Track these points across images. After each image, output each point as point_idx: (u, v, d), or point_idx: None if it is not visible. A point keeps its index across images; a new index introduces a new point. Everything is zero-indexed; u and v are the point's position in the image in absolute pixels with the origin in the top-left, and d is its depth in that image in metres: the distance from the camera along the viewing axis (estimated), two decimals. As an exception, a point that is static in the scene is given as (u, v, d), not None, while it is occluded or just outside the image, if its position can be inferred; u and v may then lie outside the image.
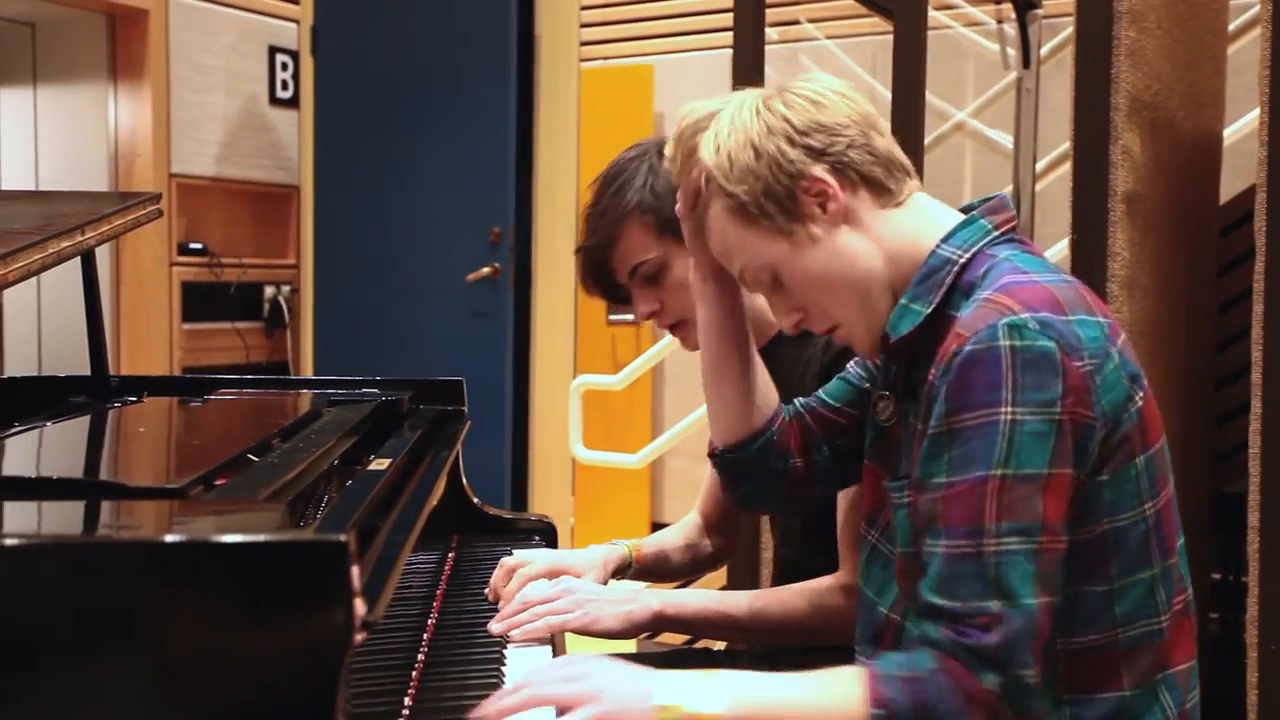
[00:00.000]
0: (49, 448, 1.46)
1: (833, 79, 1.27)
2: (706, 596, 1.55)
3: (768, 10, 2.45)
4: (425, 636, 1.41)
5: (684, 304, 1.53)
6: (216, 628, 0.85)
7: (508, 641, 1.42)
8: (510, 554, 1.61)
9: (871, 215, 1.22)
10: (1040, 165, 3.05)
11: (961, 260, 1.19)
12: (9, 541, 0.87)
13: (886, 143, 1.24)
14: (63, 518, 1.05)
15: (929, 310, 1.19)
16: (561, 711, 1.08)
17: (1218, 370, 2.67)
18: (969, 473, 1.07)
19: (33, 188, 4.61)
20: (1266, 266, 1.89)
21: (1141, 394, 1.14)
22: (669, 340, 3.72)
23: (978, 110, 3.97)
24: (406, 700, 1.21)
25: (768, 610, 1.53)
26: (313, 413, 1.58)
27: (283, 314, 4.82)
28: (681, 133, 1.31)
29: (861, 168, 1.22)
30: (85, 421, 1.60)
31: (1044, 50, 3.09)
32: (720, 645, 1.83)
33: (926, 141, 2.51)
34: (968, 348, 1.09)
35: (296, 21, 4.69)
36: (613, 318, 4.86)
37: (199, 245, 4.59)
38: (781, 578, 1.69)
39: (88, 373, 1.82)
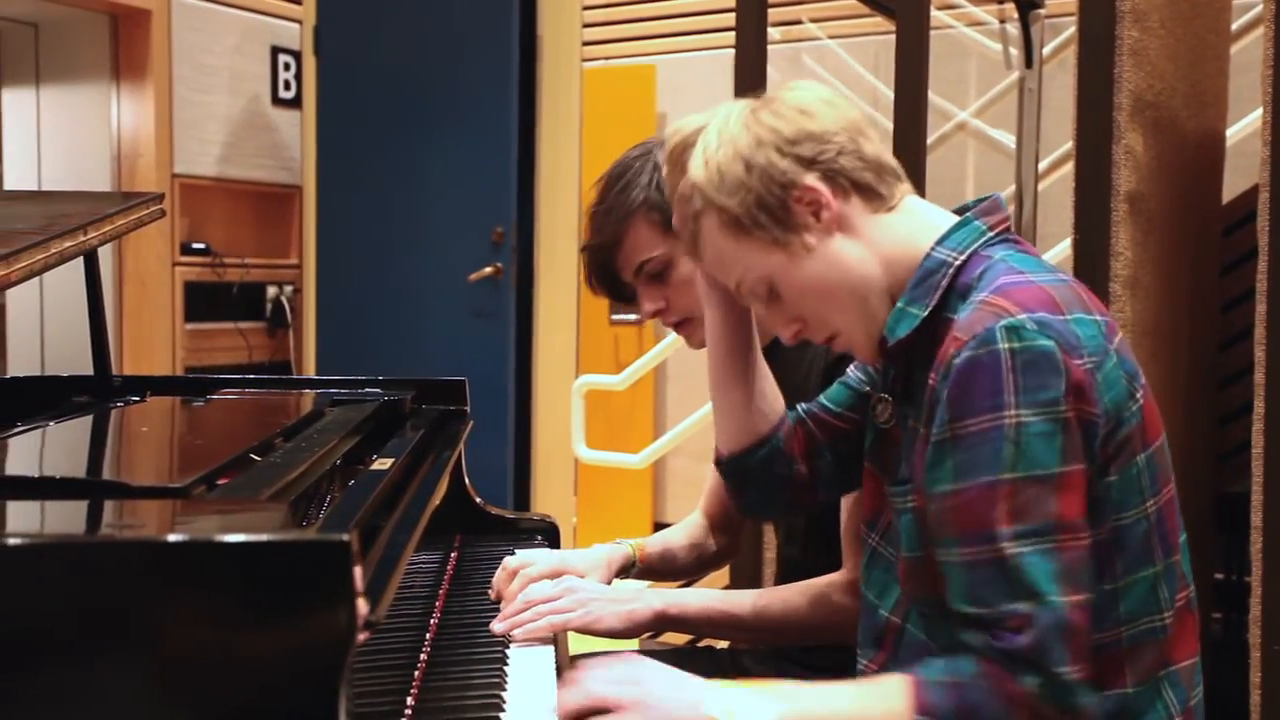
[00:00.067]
0: (52, 447, 1.46)
1: (818, 86, 1.26)
2: (709, 596, 1.55)
3: (770, 10, 2.45)
4: (428, 636, 1.41)
5: (689, 301, 1.53)
6: (219, 627, 0.85)
7: (510, 641, 1.42)
8: (513, 554, 1.61)
9: (865, 221, 1.22)
10: (1043, 165, 3.05)
11: (957, 262, 1.19)
12: (12, 541, 0.87)
13: (875, 147, 1.23)
14: (66, 517, 1.05)
15: (926, 313, 1.18)
16: (602, 712, 1.09)
17: (1220, 370, 2.67)
18: (976, 478, 1.07)
19: (35, 188, 4.61)
20: (1269, 266, 1.89)
21: (1141, 392, 1.14)
22: (671, 340, 3.72)
23: (980, 110, 3.97)
24: (409, 700, 1.21)
25: (770, 609, 1.53)
26: (315, 412, 1.59)
27: (285, 314, 4.82)
28: (672, 150, 1.30)
29: (852, 174, 1.21)
30: (88, 421, 1.61)
31: (1046, 50, 3.09)
32: (723, 645, 1.83)
33: (929, 141, 2.51)
34: (966, 352, 1.09)
35: (299, 22, 4.69)
36: (615, 317, 4.87)
37: (201, 245, 4.59)
38: (784, 577, 1.69)
39: (90, 373, 1.82)
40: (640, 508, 4.80)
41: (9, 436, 1.42)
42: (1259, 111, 1.97)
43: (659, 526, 4.58)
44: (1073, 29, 2.15)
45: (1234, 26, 2.86)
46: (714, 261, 1.27)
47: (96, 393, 1.79)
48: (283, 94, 4.81)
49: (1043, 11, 2.93)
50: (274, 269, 4.84)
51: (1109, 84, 2.01)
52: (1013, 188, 2.87)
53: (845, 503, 1.50)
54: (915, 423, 1.20)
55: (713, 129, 1.24)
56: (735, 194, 1.20)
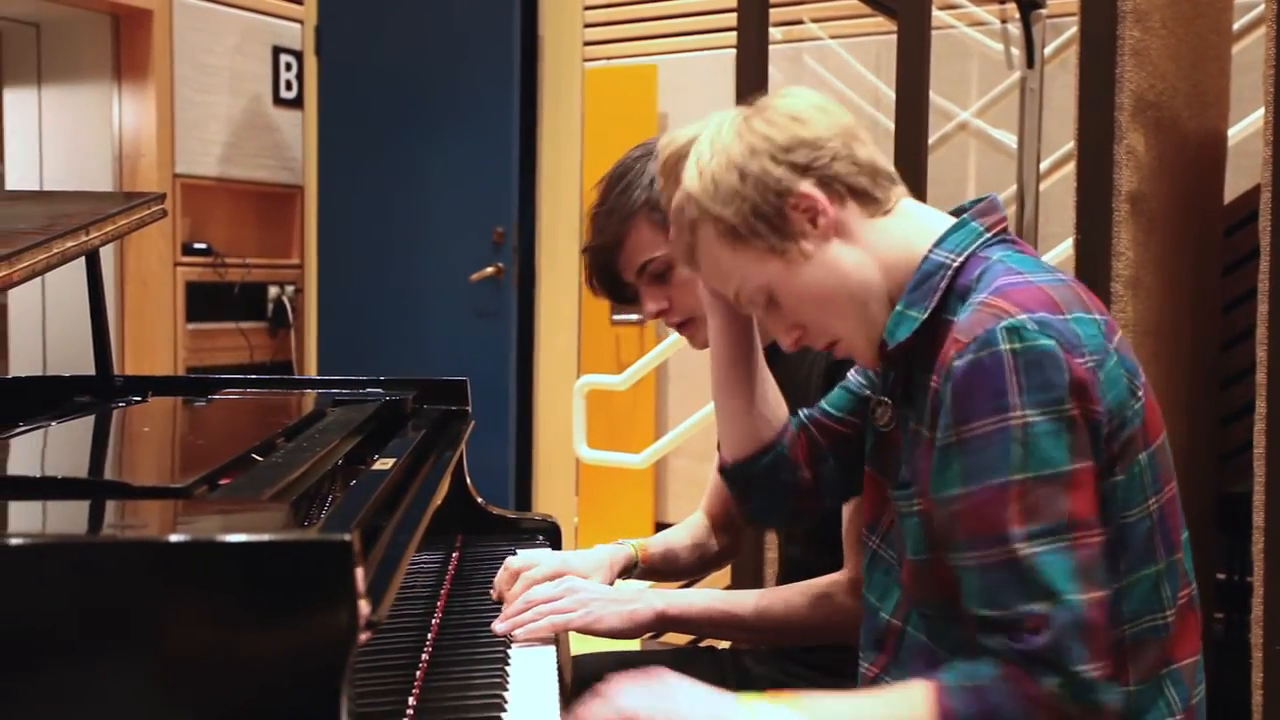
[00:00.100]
0: (54, 447, 1.46)
1: (810, 92, 1.26)
2: (710, 596, 1.55)
3: (772, 10, 2.45)
4: (429, 636, 1.41)
5: (692, 302, 1.53)
6: (221, 627, 0.85)
7: (511, 641, 1.42)
8: (514, 554, 1.61)
9: (861, 226, 1.21)
10: (1044, 165, 3.05)
11: (955, 264, 1.19)
12: (14, 541, 0.87)
13: (869, 151, 1.23)
14: (67, 517, 1.05)
15: (925, 316, 1.18)
16: None
17: (1222, 370, 2.67)
18: (985, 481, 1.07)
19: (37, 188, 4.61)
20: (1271, 266, 1.89)
21: (1142, 390, 1.15)
22: (673, 340, 3.72)
23: (982, 110, 3.97)
24: (410, 700, 1.22)
25: (772, 609, 1.53)
26: (317, 412, 1.59)
27: (286, 314, 4.83)
28: (665, 161, 1.30)
29: (848, 179, 1.21)
30: (90, 421, 1.61)
31: (1048, 50, 3.09)
32: (724, 645, 1.83)
33: (930, 141, 2.51)
34: (968, 355, 1.08)
35: (300, 22, 4.69)
36: (616, 317, 4.87)
37: (203, 245, 4.59)
38: (786, 577, 1.68)
39: (92, 373, 1.82)
40: (642, 508, 4.80)
41: (11, 436, 1.43)
42: (1260, 111, 1.96)
43: (660, 526, 4.58)
44: (1074, 29, 2.15)
45: (1236, 26, 2.86)
46: (711, 271, 1.26)
47: (98, 393, 1.79)
48: (284, 94, 4.81)
49: (1044, 11, 2.93)
50: (275, 269, 4.84)
51: (1110, 84, 2.01)
52: (1014, 188, 2.87)
53: (847, 503, 1.50)
54: (916, 425, 1.20)
55: (705, 139, 1.23)
56: (730, 203, 1.19)
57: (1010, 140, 3.42)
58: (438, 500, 1.43)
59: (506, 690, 1.28)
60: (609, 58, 4.87)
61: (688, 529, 1.80)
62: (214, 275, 4.62)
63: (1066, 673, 1.04)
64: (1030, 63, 2.90)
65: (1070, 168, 2.20)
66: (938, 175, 2.55)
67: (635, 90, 4.80)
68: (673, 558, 1.74)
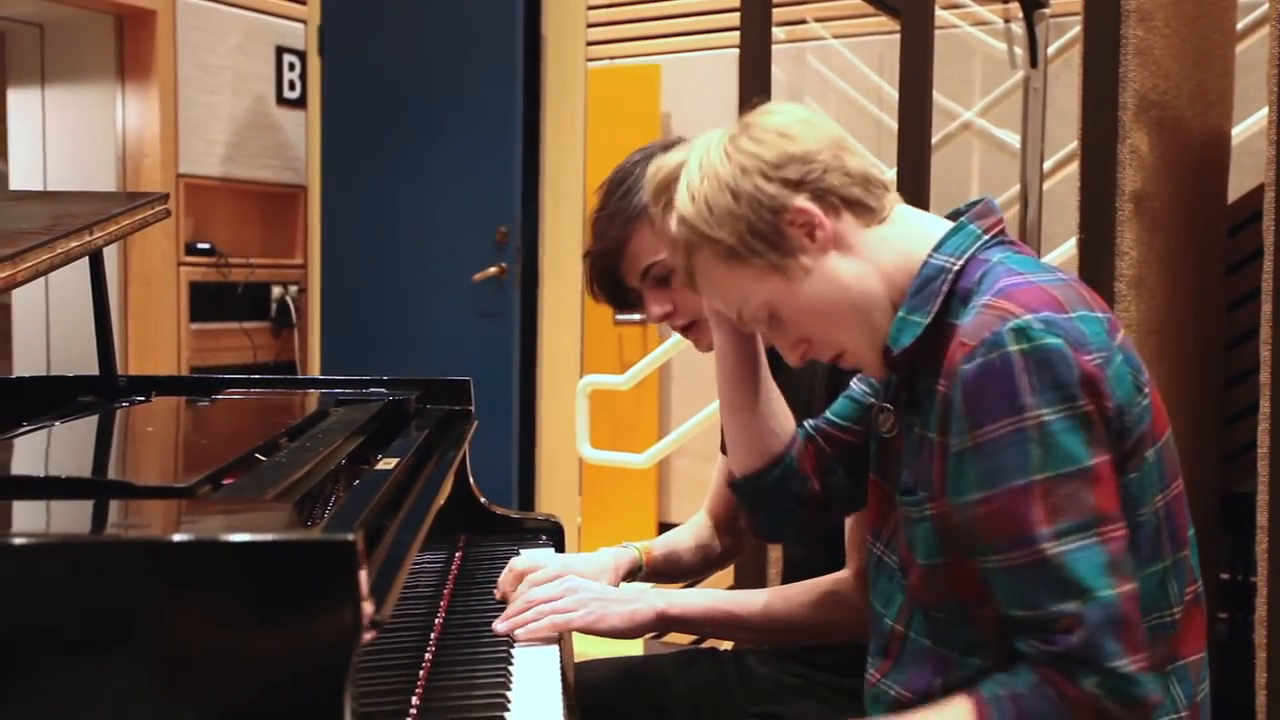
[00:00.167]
0: (57, 447, 1.47)
1: (793, 106, 1.26)
2: (712, 596, 1.55)
3: (775, 10, 2.45)
4: (432, 636, 1.41)
5: (696, 304, 1.52)
6: (224, 627, 0.85)
7: (514, 641, 1.42)
8: (518, 554, 1.61)
9: (859, 236, 1.21)
10: (1048, 165, 3.05)
11: (955, 267, 1.19)
12: (18, 540, 0.88)
13: (859, 161, 1.23)
14: (71, 517, 1.05)
15: (928, 320, 1.18)
16: None
17: (1226, 370, 2.66)
18: (1007, 483, 1.07)
19: (41, 188, 4.62)
20: (1275, 266, 1.89)
21: (1147, 387, 1.15)
22: (675, 340, 3.72)
23: (985, 110, 3.96)
24: (414, 700, 1.22)
25: (773, 609, 1.53)
26: (320, 412, 1.59)
27: (290, 314, 4.83)
28: (656, 188, 1.30)
29: (841, 190, 1.20)
30: (93, 421, 1.61)
31: (1051, 49, 3.09)
32: (727, 645, 1.83)
33: (933, 141, 2.50)
34: (978, 358, 1.08)
35: (304, 22, 4.70)
36: (620, 317, 4.87)
37: (206, 245, 4.59)
38: (789, 576, 1.68)
39: (96, 372, 1.82)
40: (645, 508, 4.80)
41: (15, 436, 1.43)
42: (1264, 111, 1.96)
43: (664, 526, 4.58)
44: (1077, 28, 2.15)
45: (1239, 26, 2.86)
46: (713, 292, 1.26)
47: (102, 393, 1.79)
48: (287, 94, 4.82)
49: (1047, 11, 2.93)
50: (279, 269, 4.84)
51: (1114, 83, 2.00)
52: (1017, 187, 2.86)
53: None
54: (922, 430, 1.20)
55: (693, 162, 1.22)
56: (726, 225, 1.19)
57: (1013, 140, 3.42)
58: (441, 500, 1.43)
59: (509, 690, 1.28)
60: (612, 57, 4.86)
61: (691, 530, 1.80)
62: (217, 275, 4.62)
63: (1104, 670, 1.04)
64: (1033, 62, 2.90)
65: (1073, 167, 2.19)
66: (941, 175, 2.54)
67: (638, 90, 4.80)
68: (675, 559, 1.74)
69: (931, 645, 1.21)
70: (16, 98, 4.74)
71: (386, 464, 1.34)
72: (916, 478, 1.20)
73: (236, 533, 0.86)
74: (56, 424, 1.53)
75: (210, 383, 1.88)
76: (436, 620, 1.46)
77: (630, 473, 4.35)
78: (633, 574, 1.66)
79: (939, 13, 2.56)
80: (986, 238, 1.21)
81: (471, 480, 1.84)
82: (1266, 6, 1.98)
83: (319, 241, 4.54)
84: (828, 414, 1.43)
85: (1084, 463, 1.07)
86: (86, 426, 1.57)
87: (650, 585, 1.80)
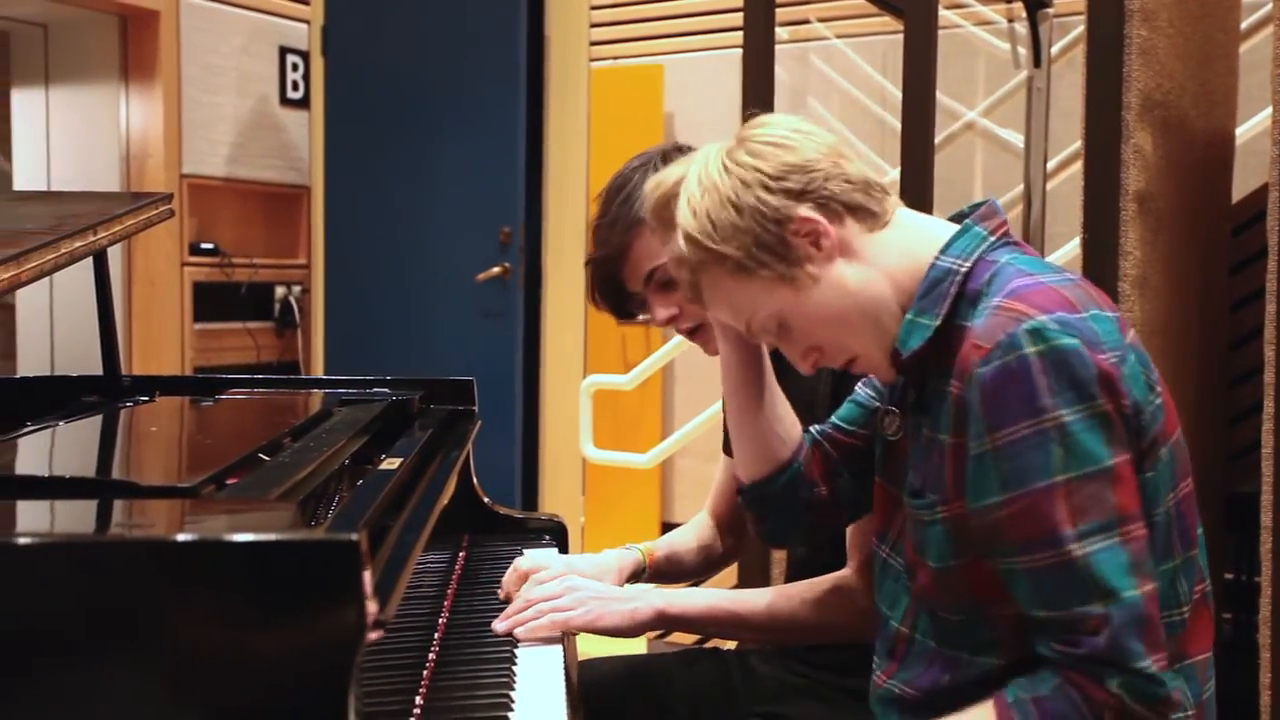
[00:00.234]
0: (62, 447, 1.47)
1: (786, 117, 1.26)
2: (712, 595, 1.55)
3: (778, 10, 2.45)
4: (436, 636, 1.41)
5: (701, 308, 1.52)
6: (229, 627, 0.85)
7: (518, 641, 1.42)
8: (521, 554, 1.61)
9: (863, 242, 1.21)
10: (1051, 164, 3.05)
11: (963, 269, 1.19)
12: (22, 540, 0.88)
13: (858, 167, 1.23)
14: (75, 517, 1.05)
15: (938, 323, 1.18)
16: None
17: (1230, 370, 2.66)
18: (1029, 485, 1.07)
19: (45, 188, 4.62)
20: (1279, 265, 1.88)
21: (1159, 385, 1.15)
22: (679, 340, 3.72)
23: (988, 109, 3.96)
24: (417, 699, 1.22)
25: (774, 608, 1.53)
26: (323, 412, 1.59)
27: (293, 314, 4.83)
28: (655, 206, 1.30)
29: (843, 197, 1.20)
30: (97, 421, 1.61)
31: (1055, 49, 3.09)
32: (731, 645, 1.83)
33: (937, 141, 2.50)
34: (995, 361, 1.08)
35: (307, 22, 4.70)
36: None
37: (210, 245, 4.60)
38: (793, 576, 1.68)
39: (100, 372, 1.82)
40: (648, 507, 4.80)
41: (19, 436, 1.43)
42: (1268, 110, 1.96)
43: (667, 526, 4.57)
44: (1081, 28, 2.15)
45: (1243, 25, 2.85)
46: (721, 307, 1.26)
47: (106, 392, 1.79)
48: (291, 94, 4.82)
49: (1051, 11, 2.92)
50: (282, 269, 4.85)
51: (1118, 83, 2.00)
52: (1021, 187, 2.86)
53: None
54: (931, 432, 1.20)
55: (692, 178, 1.22)
56: (731, 239, 1.19)
57: (1017, 140, 3.41)
58: (444, 500, 1.43)
59: (513, 690, 1.28)
60: (615, 58, 4.86)
61: (694, 531, 1.79)
62: (221, 275, 4.63)
63: (1129, 671, 1.04)
64: (1037, 62, 2.90)
65: (1077, 167, 2.19)
66: (944, 175, 2.54)
67: (641, 90, 4.80)
68: (677, 560, 1.74)
69: (938, 647, 1.21)
70: (20, 98, 4.74)
71: (390, 464, 1.34)
72: (925, 480, 1.20)
73: (241, 533, 0.86)
74: (61, 424, 1.53)
75: (214, 383, 1.88)
76: (440, 620, 1.46)
77: (633, 473, 4.35)
78: (636, 575, 1.66)
79: (942, 12, 2.56)
80: (993, 239, 1.21)
81: (475, 480, 1.84)
82: (1270, 6, 1.98)
83: (322, 241, 4.55)
84: (834, 419, 1.43)
85: (1105, 462, 1.07)
86: (91, 426, 1.58)
87: (653, 586, 1.80)
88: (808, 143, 1.21)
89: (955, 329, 1.16)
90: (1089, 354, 1.07)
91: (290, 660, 0.85)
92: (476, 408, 1.87)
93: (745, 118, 1.28)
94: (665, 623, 1.50)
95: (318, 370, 4.65)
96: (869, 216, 1.22)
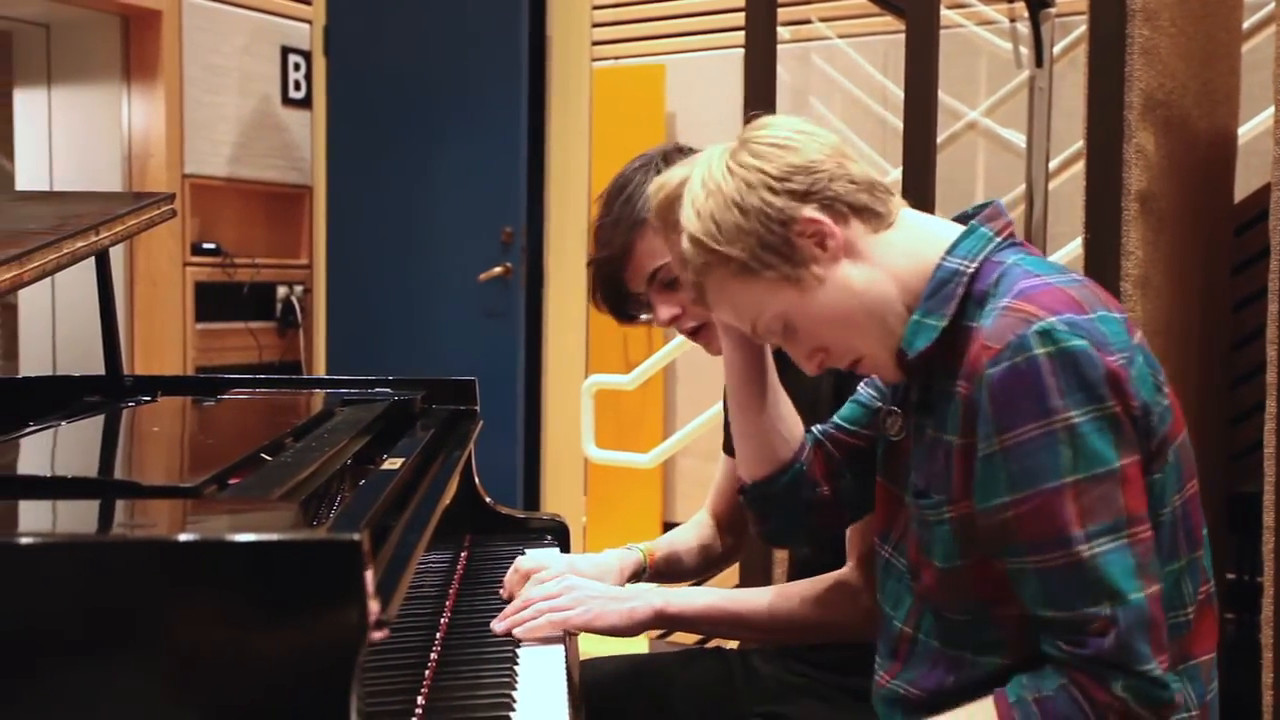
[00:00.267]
0: (64, 447, 1.47)
1: (788, 118, 1.26)
2: (712, 594, 1.55)
3: (779, 9, 2.44)
4: (438, 636, 1.41)
5: (704, 308, 1.52)
6: (230, 627, 0.85)
7: (520, 641, 1.42)
8: (523, 554, 1.61)
9: (868, 242, 1.21)
10: (1053, 164, 3.04)
11: (970, 270, 1.19)
12: (24, 540, 0.88)
13: (861, 168, 1.23)
14: (77, 516, 1.05)
15: (945, 323, 1.18)
16: None
17: (1232, 370, 2.66)
18: (1038, 486, 1.08)
19: (47, 188, 4.62)
20: (1281, 265, 1.88)
21: (1165, 385, 1.15)
22: (680, 340, 3.72)
23: (990, 109, 3.96)
24: (419, 699, 1.22)
25: (774, 607, 1.52)
26: (325, 412, 1.59)
27: (295, 314, 4.83)
28: (659, 208, 1.30)
29: (848, 198, 1.20)
30: (99, 421, 1.61)
31: (1057, 49, 3.09)
32: (733, 645, 1.83)
33: (939, 141, 2.50)
34: (1004, 362, 1.08)
35: (309, 22, 4.70)
36: (624, 318, 4.86)
37: (212, 245, 4.60)
38: (795, 577, 1.68)
39: (102, 372, 1.82)
40: (650, 507, 4.80)
41: (21, 436, 1.43)
42: (1271, 110, 1.96)
43: (668, 526, 4.57)
44: (1083, 28, 2.15)
45: (1245, 25, 2.85)
46: (727, 308, 1.26)
47: (108, 392, 1.79)
48: (293, 94, 4.82)
49: (1053, 10, 2.92)
50: (284, 269, 4.85)
51: (1120, 83, 2.00)
52: (1023, 187, 2.86)
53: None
54: (936, 432, 1.20)
55: (696, 181, 1.22)
56: (736, 241, 1.19)
57: (1019, 139, 3.41)
58: (446, 500, 1.43)
59: (515, 690, 1.28)
60: (617, 57, 4.86)
61: (694, 530, 1.79)
62: (223, 275, 4.63)
63: (1134, 673, 1.04)
64: (1039, 62, 2.89)
65: (1079, 167, 2.19)
66: (946, 175, 2.54)
67: (643, 90, 4.80)
68: (676, 559, 1.74)
69: (941, 646, 1.21)
70: (22, 98, 4.75)
71: (392, 464, 1.34)
72: (929, 480, 1.20)
73: (242, 532, 0.86)
74: (63, 424, 1.53)
75: (216, 383, 1.88)
76: (442, 620, 1.46)
77: (635, 472, 4.35)
78: (637, 575, 1.66)
79: (944, 12, 2.56)
80: (999, 240, 1.21)
81: (477, 480, 1.84)
82: (1273, 5, 1.98)
83: (324, 241, 4.55)
84: (836, 419, 1.43)
85: (1113, 464, 1.07)
86: (92, 426, 1.58)
87: (653, 585, 1.80)
88: (811, 144, 1.21)
89: (962, 330, 1.16)
90: (1098, 355, 1.08)
91: (292, 660, 0.85)
92: (478, 408, 1.87)
93: (747, 118, 1.28)
94: (664, 622, 1.50)
95: (319, 370, 4.65)
96: (874, 217, 1.22)
